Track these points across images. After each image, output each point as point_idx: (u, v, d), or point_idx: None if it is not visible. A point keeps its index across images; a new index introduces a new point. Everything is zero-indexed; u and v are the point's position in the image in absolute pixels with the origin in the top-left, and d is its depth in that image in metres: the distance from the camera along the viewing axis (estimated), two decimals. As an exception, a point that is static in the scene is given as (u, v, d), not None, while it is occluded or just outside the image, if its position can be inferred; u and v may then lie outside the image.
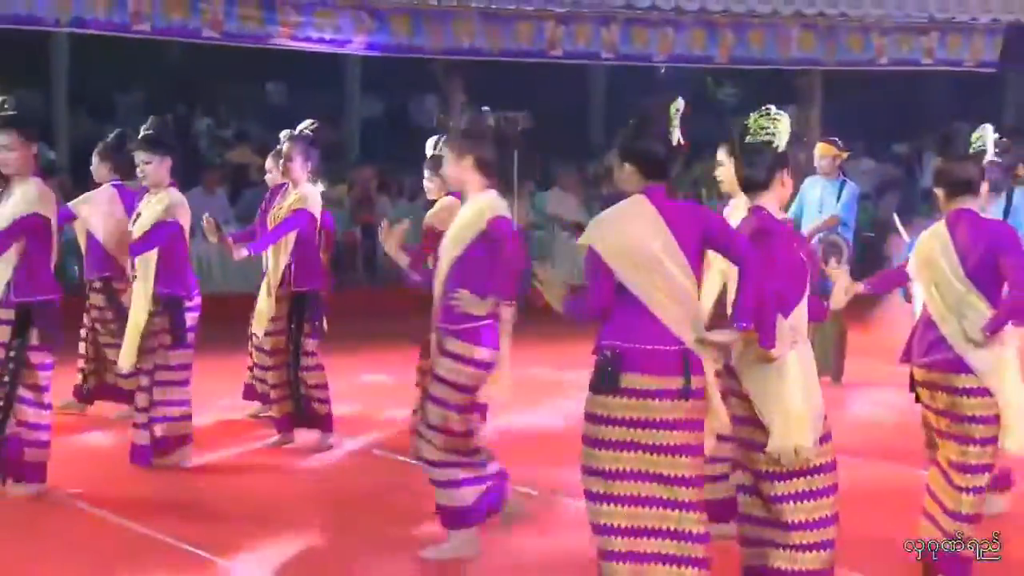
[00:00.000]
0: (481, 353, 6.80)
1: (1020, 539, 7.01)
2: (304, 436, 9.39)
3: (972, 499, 6.51)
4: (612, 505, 5.62)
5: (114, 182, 10.14)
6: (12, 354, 7.65)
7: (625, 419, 5.59)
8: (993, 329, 6.41)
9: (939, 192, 6.76)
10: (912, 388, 6.77)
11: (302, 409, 9.34)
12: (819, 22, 18.37)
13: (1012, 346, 6.55)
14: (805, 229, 11.64)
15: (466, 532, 6.89)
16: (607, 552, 5.63)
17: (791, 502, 6.03)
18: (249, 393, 10.34)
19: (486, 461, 6.96)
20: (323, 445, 9.37)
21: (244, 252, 9.14)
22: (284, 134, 9.52)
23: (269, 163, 10.24)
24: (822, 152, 12.34)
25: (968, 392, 6.47)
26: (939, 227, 6.70)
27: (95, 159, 10.34)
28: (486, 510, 6.94)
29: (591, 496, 5.66)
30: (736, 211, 7.04)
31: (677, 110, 5.77)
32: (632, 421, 5.58)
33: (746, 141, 6.16)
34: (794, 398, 5.99)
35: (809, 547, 6.03)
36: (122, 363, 8.81)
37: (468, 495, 6.85)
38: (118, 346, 9.10)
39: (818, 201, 12.10)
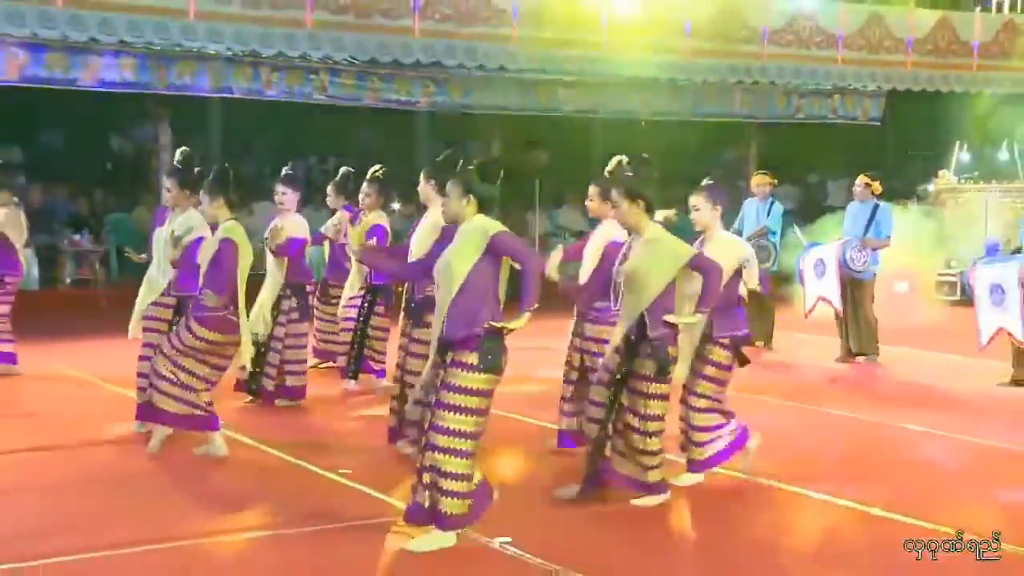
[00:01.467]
0: (216, 337, 6.96)
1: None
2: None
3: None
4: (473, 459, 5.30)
5: None
6: (175, 329, 7.64)
7: (493, 391, 5.31)
8: None
9: (717, 210, 6.58)
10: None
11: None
12: (755, 87, 18.31)
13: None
14: (744, 237, 11.60)
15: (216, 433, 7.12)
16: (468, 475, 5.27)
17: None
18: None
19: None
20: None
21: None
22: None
23: (330, 190, 9.92)
24: (758, 181, 12.29)
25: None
26: (736, 238, 6.81)
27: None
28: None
29: (468, 454, 5.22)
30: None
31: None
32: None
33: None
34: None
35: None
36: (257, 327, 8.56)
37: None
38: None
39: (754, 216, 12.10)
